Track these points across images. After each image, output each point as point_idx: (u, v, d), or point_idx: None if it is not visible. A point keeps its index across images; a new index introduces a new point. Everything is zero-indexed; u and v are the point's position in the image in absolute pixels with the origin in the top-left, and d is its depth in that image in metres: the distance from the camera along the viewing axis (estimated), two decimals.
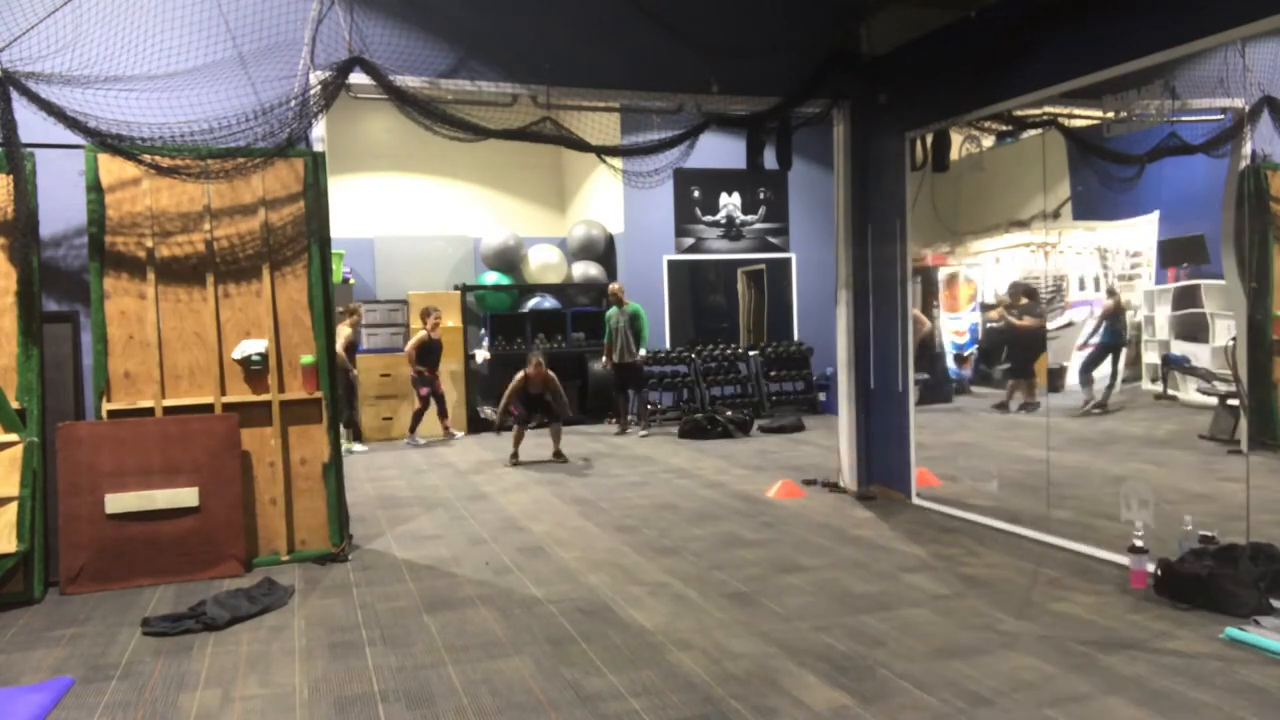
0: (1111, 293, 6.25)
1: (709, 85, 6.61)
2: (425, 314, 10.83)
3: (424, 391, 10.75)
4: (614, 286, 11.31)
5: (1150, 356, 5.63)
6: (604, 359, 11.32)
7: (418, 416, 10.86)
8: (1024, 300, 6.84)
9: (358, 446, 10.56)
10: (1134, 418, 5.81)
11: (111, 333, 5.38)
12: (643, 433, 11.11)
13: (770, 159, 6.97)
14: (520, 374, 9.06)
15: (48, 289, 5.33)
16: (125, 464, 5.23)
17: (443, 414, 11.11)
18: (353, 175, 12.50)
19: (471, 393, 11.83)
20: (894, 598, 4.67)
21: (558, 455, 9.22)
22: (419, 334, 10.75)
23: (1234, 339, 4.96)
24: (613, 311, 11.13)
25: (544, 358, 9.14)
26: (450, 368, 11.69)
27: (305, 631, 4.43)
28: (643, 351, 11.16)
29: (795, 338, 12.85)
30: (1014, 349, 6.93)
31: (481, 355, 11.94)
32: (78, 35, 5.27)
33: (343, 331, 10.19)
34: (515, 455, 9.16)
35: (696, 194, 12.48)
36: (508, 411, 9.28)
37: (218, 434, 5.42)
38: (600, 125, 6.78)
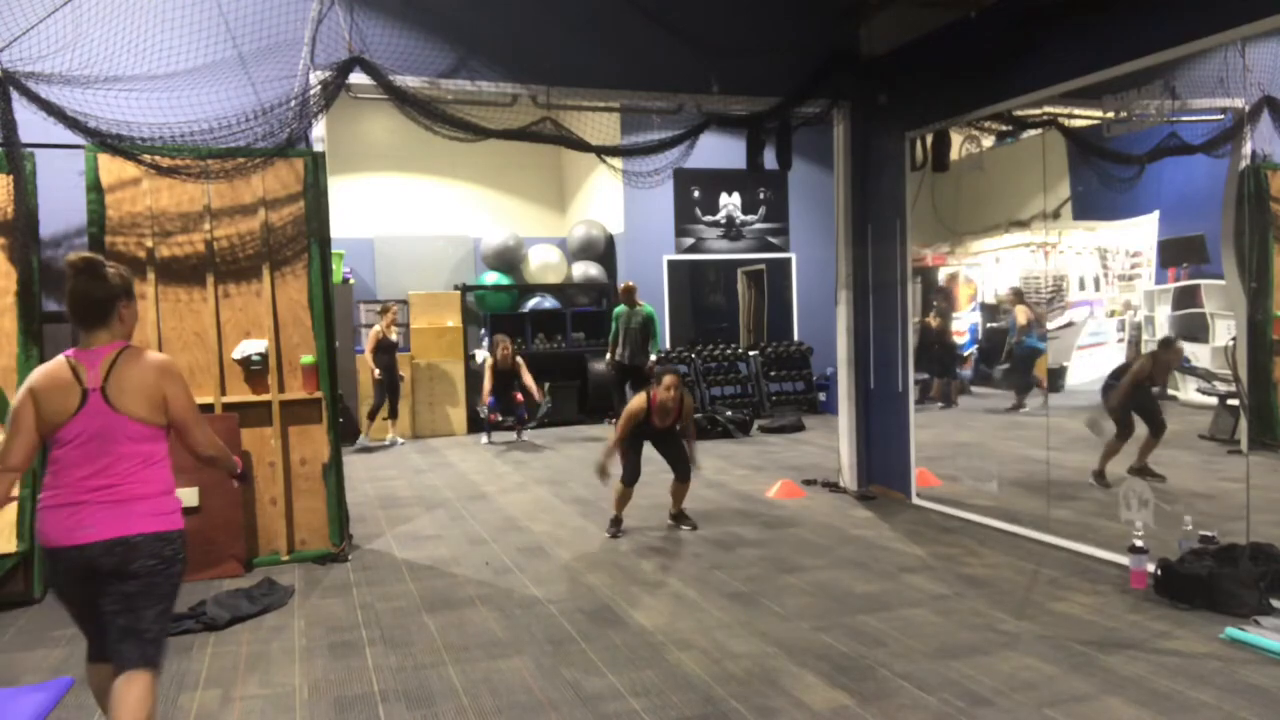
0: (1020, 298, 6.41)
1: (709, 85, 6.61)
2: (493, 346, 10.76)
3: (488, 400, 10.62)
4: (628, 284, 10.79)
5: None
6: (606, 356, 11.01)
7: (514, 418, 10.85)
8: (939, 303, 6.98)
9: (398, 439, 10.91)
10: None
11: None
12: None
13: (770, 159, 6.97)
14: (639, 401, 6.08)
15: (48, 289, 5.33)
16: None
17: (520, 419, 10.78)
18: (353, 175, 12.50)
19: (471, 393, 11.82)
20: (894, 598, 4.67)
21: (679, 518, 6.38)
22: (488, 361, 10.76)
23: (1234, 339, 4.96)
24: (622, 310, 10.64)
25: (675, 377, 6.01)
26: (448, 368, 11.71)
27: (305, 631, 4.43)
28: (654, 356, 10.70)
29: (795, 338, 12.84)
30: (932, 350, 7.06)
31: (481, 355, 11.92)
32: (78, 35, 5.27)
33: (374, 331, 10.57)
34: (618, 522, 6.28)
35: (696, 194, 12.48)
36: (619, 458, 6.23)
37: (218, 434, 5.40)
38: (600, 125, 6.78)
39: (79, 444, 2.76)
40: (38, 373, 2.84)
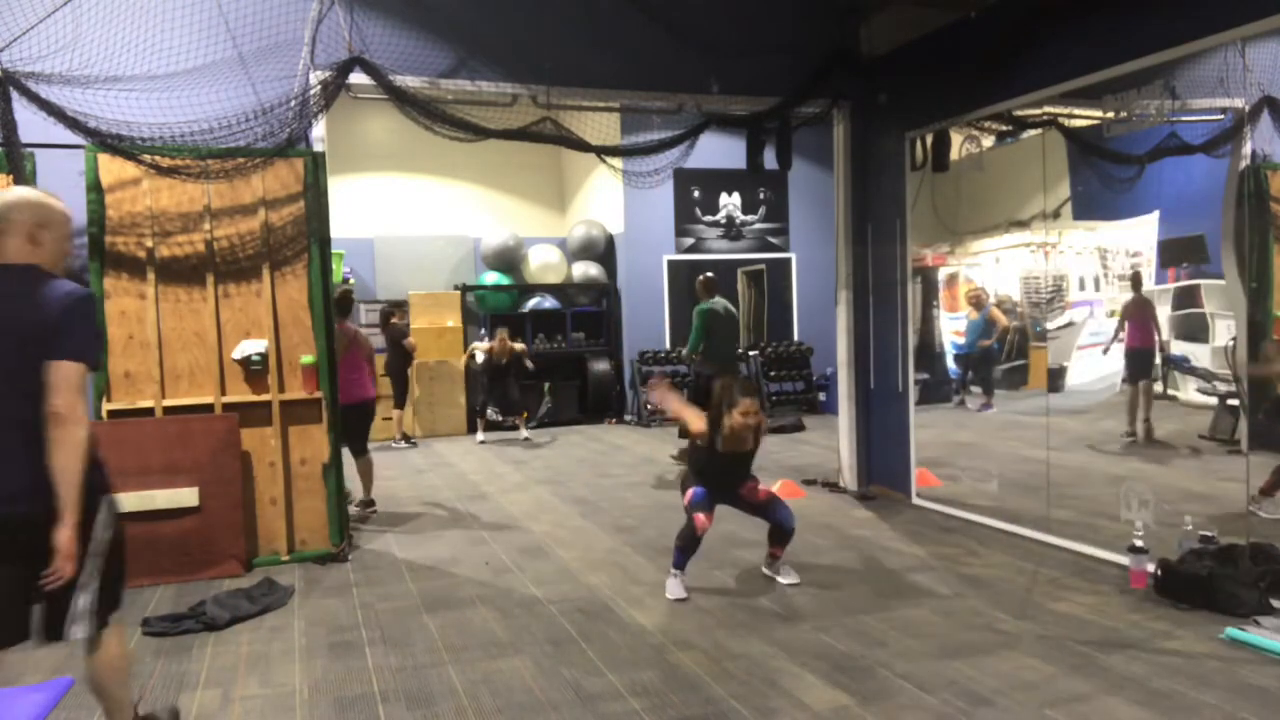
0: (978, 302, 6.54)
1: (709, 85, 6.60)
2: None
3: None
4: (710, 275, 8.65)
5: None
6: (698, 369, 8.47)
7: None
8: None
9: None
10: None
11: (111, 333, 5.37)
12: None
13: (770, 159, 6.97)
14: None
15: None
16: (125, 464, 5.21)
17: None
18: (353, 175, 12.49)
19: (472, 393, 11.82)
20: (894, 598, 4.67)
21: None
22: None
23: (1234, 339, 4.96)
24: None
25: None
26: (448, 367, 11.70)
27: (305, 631, 4.43)
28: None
29: (795, 338, 12.84)
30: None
31: (483, 347, 11.59)
32: (78, 35, 5.27)
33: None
34: None
35: (696, 194, 12.48)
36: None
37: (218, 434, 5.42)
38: (600, 125, 6.78)
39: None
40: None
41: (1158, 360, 5.57)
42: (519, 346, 10.96)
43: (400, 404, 10.96)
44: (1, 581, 2.68)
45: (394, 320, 10.90)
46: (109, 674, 2.90)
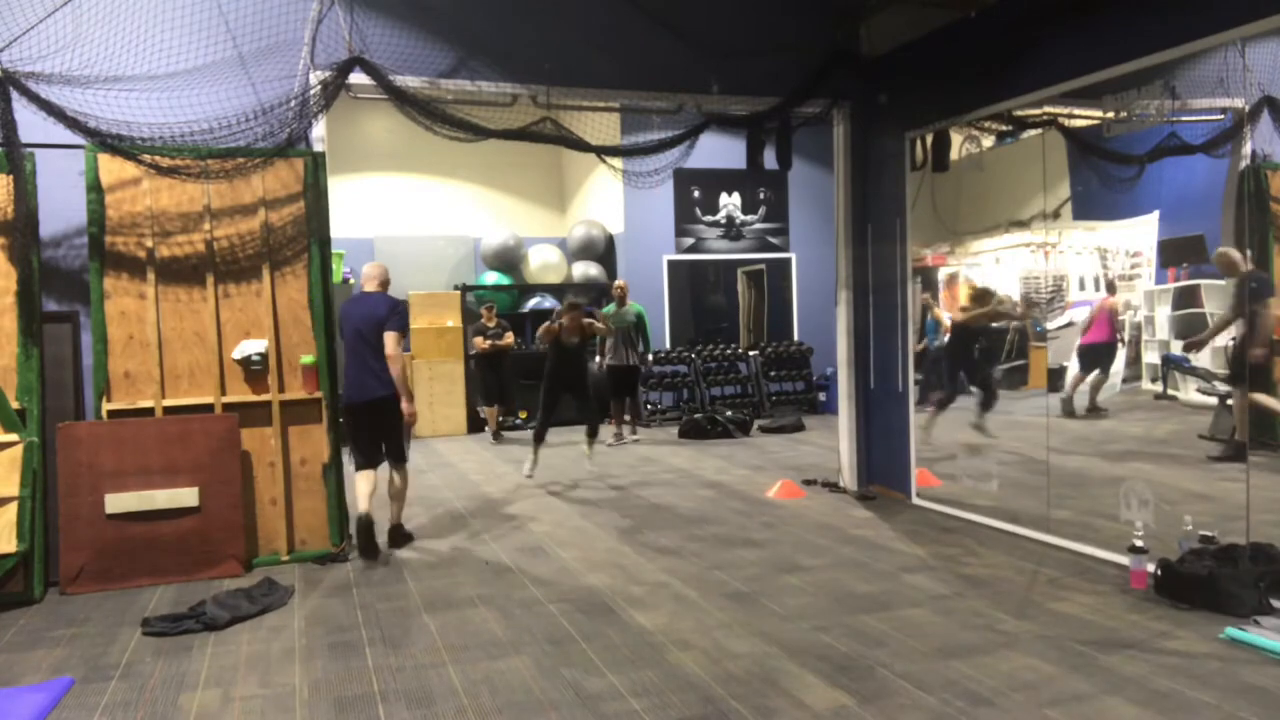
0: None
1: (709, 85, 6.60)
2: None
3: None
4: (620, 283, 10.58)
5: (1150, 356, 5.63)
6: (599, 360, 10.55)
7: None
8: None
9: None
10: (1134, 418, 5.80)
11: (111, 333, 5.37)
12: (633, 437, 10.60)
13: (770, 159, 6.97)
14: None
15: (48, 289, 5.33)
16: (125, 464, 5.23)
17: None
18: (353, 175, 12.50)
19: (471, 393, 11.82)
20: (894, 598, 4.67)
21: None
22: None
23: (1234, 339, 4.95)
24: (611, 308, 10.31)
25: None
26: (448, 367, 11.70)
27: (305, 631, 4.43)
28: (645, 353, 10.49)
29: (795, 338, 12.84)
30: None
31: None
32: (78, 35, 5.27)
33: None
34: None
35: (696, 194, 12.48)
36: None
37: (218, 434, 5.42)
38: (600, 125, 6.78)
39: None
40: None
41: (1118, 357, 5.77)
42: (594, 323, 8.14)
43: (489, 401, 11.20)
44: (374, 431, 5.80)
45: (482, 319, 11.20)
46: (404, 487, 6.00)
